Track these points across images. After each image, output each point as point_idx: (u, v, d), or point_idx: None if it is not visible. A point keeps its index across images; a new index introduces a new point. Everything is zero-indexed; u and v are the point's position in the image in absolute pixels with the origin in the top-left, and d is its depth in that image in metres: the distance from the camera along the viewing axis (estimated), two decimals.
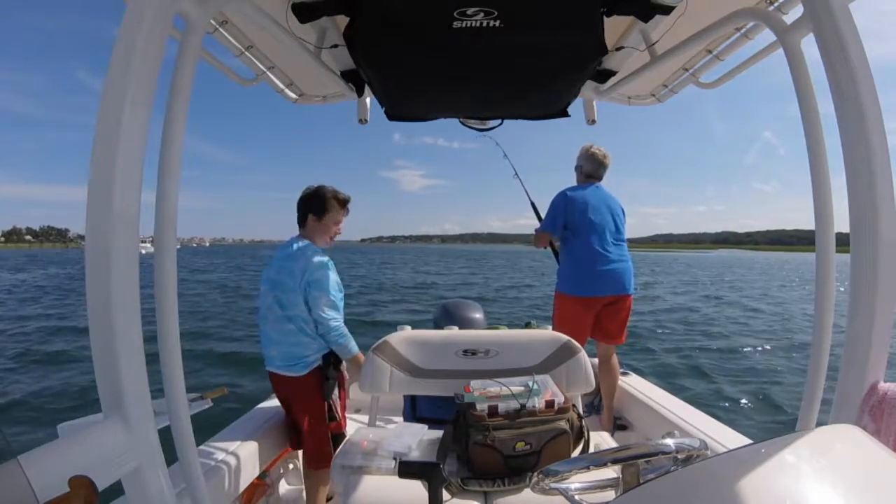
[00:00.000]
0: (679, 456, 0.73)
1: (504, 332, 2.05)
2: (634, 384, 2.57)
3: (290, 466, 2.28)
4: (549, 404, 1.46)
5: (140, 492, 0.78)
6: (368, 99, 2.01)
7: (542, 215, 2.87)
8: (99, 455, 0.71)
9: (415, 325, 2.24)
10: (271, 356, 1.91)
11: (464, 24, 1.08)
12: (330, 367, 1.92)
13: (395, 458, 1.46)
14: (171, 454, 0.89)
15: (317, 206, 1.98)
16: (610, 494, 0.79)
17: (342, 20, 1.32)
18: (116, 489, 0.77)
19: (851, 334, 0.91)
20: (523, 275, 27.94)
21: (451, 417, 1.53)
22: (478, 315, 2.64)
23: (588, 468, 0.76)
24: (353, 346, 1.95)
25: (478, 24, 1.08)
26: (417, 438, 1.58)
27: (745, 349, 7.68)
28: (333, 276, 1.93)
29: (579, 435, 1.50)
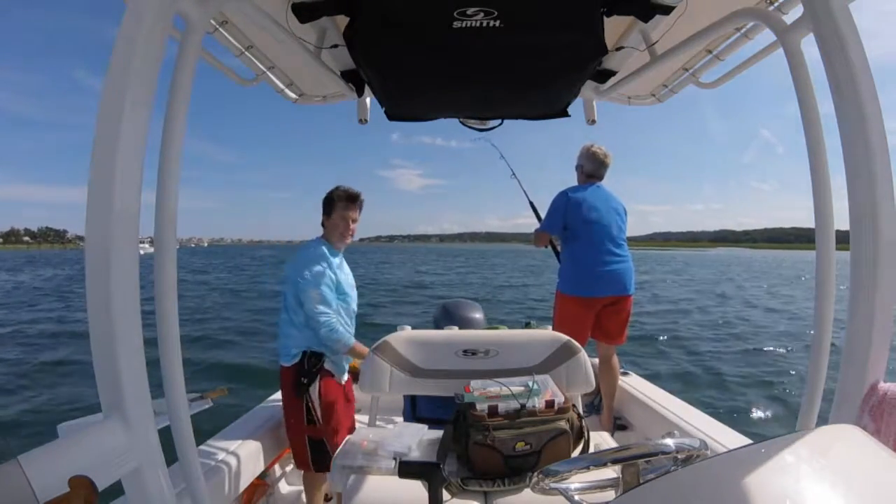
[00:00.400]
0: (679, 456, 0.73)
1: (504, 332, 2.05)
2: (634, 384, 2.57)
3: (290, 466, 2.28)
4: (549, 404, 1.46)
5: (140, 492, 0.78)
6: (368, 99, 2.01)
7: (541, 214, 2.87)
8: (99, 455, 0.71)
9: (414, 325, 2.24)
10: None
11: (464, 24, 1.08)
12: (304, 364, 1.90)
13: (395, 458, 1.46)
14: (171, 454, 0.89)
15: (325, 205, 2.06)
16: (610, 494, 0.79)
17: (342, 20, 1.32)
18: (116, 489, 0.77)
19: (851, 334, 0.91)
20: (522, 274, 27.96)
21: (451, 417, 1.53)
22: (478, 315, 2.64)
23: (588, 468, 0.76)
24: (345, 338, 1.93)
25: (478, 24, 1.08)
26: (417, 438, 1.58)
27: (770, 349, 7.54)
28: (326, 272, 1.93)
29: (579, 435, 1.49)
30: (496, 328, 2.43)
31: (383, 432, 1.63)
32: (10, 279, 24.48)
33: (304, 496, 2.18)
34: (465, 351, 1.87)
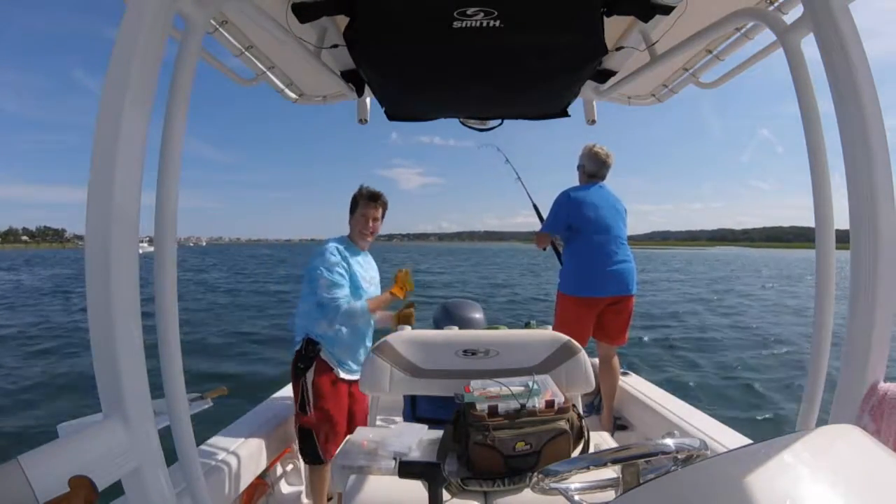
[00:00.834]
0: (679, 456, 0.73)
1: (504, 332, 2.05)
2: (634, 384, 2.57)
3: (290, 466, 2.28)
4: (549, 404, 1.46)
5: (140, 492, 0.78)
6: (368, 99, 2.01)
7: (544, 216, 2.87)
8: (99, 455, 0.71)
9: (414, 325, 2.24)
10: None
11: (464, 24, 1.08)
12: (303, 350, 2.01)
13: (395, 458, 1.46)
14: (171, 454, 0.89)
15: (351, 204, 2.20)
16: (610, 494, 0.79)
17: (342, 20, 1.32)
18: (116, 489, 0.77)
19: (851, 334, 0.91)
20: (520, 272, 27.90)
21: (451, 417, 1.53)
22: (478, 315, 2.64)
23: (588, 468, 0.76)
24: (357, 305, 2.01)
25: (478, 24, 1.08)
26: (417, 438, 1.58)
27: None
28: (340, 262, 2.03)
29: (579, 435, 1.49)
30: (496, 328, 2.43)
31: (383, 432, 1.63)
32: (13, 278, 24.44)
33: (304, 496, 2.19)
34: (465, 351, 1.87)
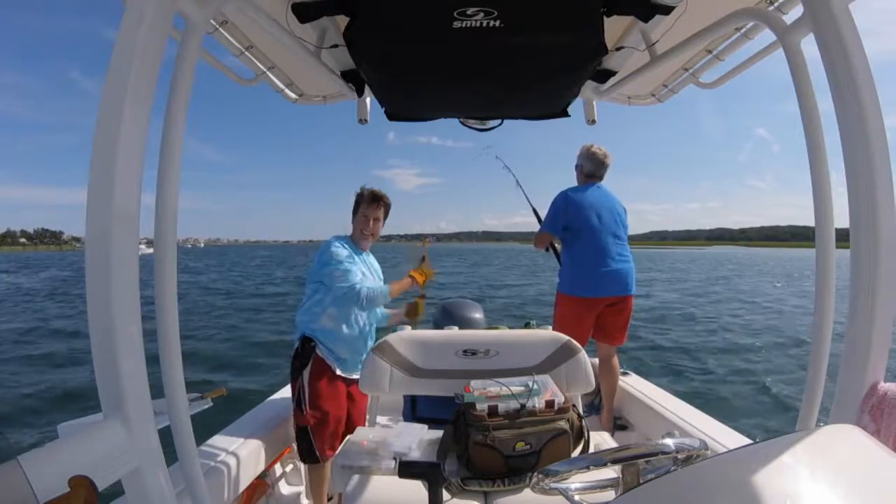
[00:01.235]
0: (679, 456, 0.73)
1: (504, 332, 2.04)
2: (634, 384, 2.57)
3: (290, 467, 2.28)
4: (549, 404, 1.46)
5: (140, 492, 0.78)
6: (368, 99, 2.01)
7: (542, 218, 2.87)
8: (99, 455, 0.71)
9: (415, 325, 2.24)
10: None
11: (464, 24, 1.08)
12: (301, 348, 2.01)
13: (395, 458, 1.46)
14: (171, 454, 0.89)
15: (354, 204, 2.18)
16: (610, 494, 0.79)
17: (342, 20, 1.32)
18: (116, 489, 0.77)
19: (851, 334, 0.91)
20: (520, 272, 27.88)
21: (451, 417, 1.53)
22: (478, 315, 2.64)
23: (588, 468, 0.76)
24: (380, 290, 2.01)
25: (478, 24, 1.08)
26: (417, 438, 1.58)
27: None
28: (343, 252, 2.02)
29: (579, 435, 1.49)
30: (496, 328, 2.43)
31: (383, 432, 1.63)
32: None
33: (304, 497, 2.18)
34: (465, 351, 1.87)
